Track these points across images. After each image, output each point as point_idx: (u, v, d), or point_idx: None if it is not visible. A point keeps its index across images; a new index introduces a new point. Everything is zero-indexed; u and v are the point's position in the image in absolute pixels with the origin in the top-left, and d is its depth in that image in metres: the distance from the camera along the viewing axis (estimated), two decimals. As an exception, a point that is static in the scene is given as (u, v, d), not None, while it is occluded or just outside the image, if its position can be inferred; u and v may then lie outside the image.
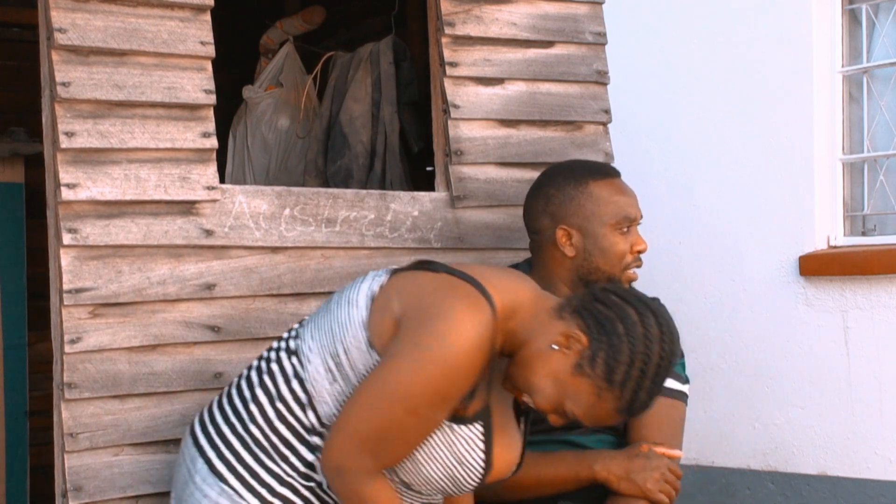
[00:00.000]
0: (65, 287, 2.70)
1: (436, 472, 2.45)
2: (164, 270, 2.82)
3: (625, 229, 2.94)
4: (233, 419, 2.51)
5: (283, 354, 2.52)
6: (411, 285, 2.44)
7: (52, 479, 2.78)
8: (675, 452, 2.92)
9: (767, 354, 4.66)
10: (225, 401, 2.56)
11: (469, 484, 2.49)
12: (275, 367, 2.51)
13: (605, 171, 3.02)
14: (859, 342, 4.39)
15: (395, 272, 2.51)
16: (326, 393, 2.45)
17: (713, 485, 4.79)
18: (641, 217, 2.99)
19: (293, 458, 2.47)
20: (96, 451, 2.72)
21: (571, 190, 2.96)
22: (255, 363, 2.57)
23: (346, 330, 2.44)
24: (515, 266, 3.10)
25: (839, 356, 4.44)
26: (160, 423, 2.80)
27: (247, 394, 2.52)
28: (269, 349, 2.58)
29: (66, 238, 2.70)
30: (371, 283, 2.49)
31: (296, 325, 2.59)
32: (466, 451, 2.45)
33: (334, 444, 2.38)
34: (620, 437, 3.02)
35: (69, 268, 2.71)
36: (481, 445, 2.46)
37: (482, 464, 2.47)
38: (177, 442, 2.82)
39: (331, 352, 2.45)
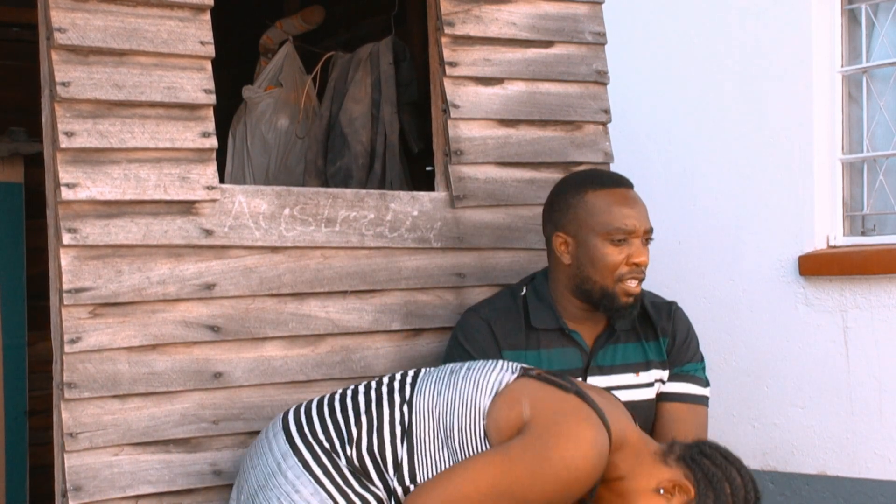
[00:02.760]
0: (64, 287, 2.70)
1: None
2: (164, 270, 2.82)
3: (618, 240, 2.91)
4: (332, 432, 2.64)
5: (396, 397, 2.67)
6: (543, 397, 2.60)
7: (52, 478, 2.78)
8: None
9: (767, 354, 4.66)
10: (326, 410, 2.69)
11: None
12: (385, 404, 2.66)
13: (608, 181, 3.00)
14: (859, 342, 4.39)
15: (524, 374, 2.65)
16: (429, 456, 2.60)
17: (713, 485, 4.79)
18: (647, 229, 2.96)
19: (377, 482, 2.62)
20: (96, 450, 2.72)
21: (570, 198, 2.98)
22: (362, 388, 2.71)
23: (467, 411, 2.60)
24: (533, 277, 3.10)
25: (839, 356, 4.44)
26: (160, 423, 2.81)
27: (351, 414, 2.67)
28: (380, 383, 2.72)
29: (66, 238, 2.70)
30: (500, 376, 2.65)
31: (412, 373, 2.73)
32: None
33: None
34: None
35: (69, 268, 2.71)
36: None
37: None
38: (177, 442, 2.82)
39: (446, 424, 2.61)
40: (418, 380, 2.70)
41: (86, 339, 2.72)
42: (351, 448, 2.61)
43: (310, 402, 2.75)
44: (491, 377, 2.65)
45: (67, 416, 2.70)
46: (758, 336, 4.68)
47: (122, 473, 2.74)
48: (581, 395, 2.58)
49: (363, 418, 2.64)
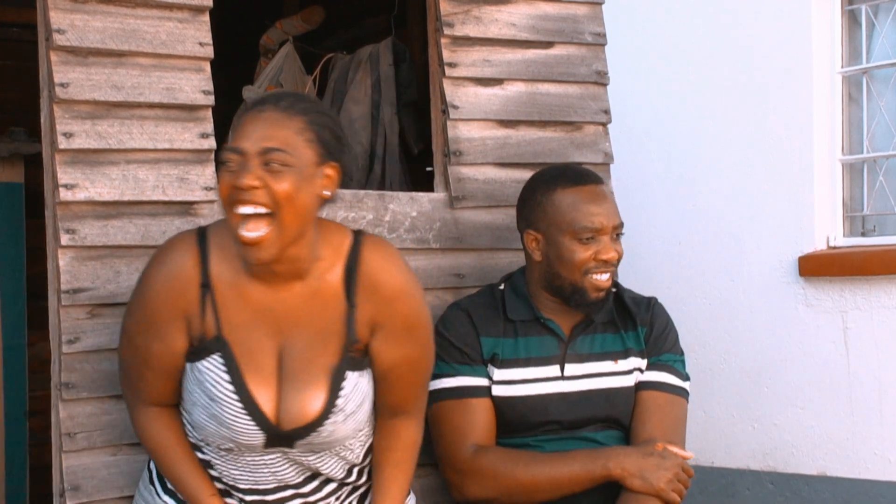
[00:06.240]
0: (63, 287, 2.70)
1: (201, 417, 2.49)
2: (163, 271, 2.82)
3: (586, 238, 2.93)
4: None
5: None
6: None
7: (51, 478, 2.78)
8: (688, 453, 2.94)
9: (767, 355, 4.66)
10: None
11: (239, 424, 2.47)
12: None
13: (578, 179, 3.00)
14: (859, 343, 4.39)
15: None
16: None
17: (713, 485, 4.79)
18: (616, 224, 2.96)
19: None
20: (94, 450, 2.72)
21: (539, 196, 3.00)
22: None
23: None
24: (511, 274, 3.12)
25: (838, 356, 4.44)
26: (158, 424, 2.80)
27: None
28: None
29: (65, 238, 2.70)
30: None
31: None
32: (212, 384, 2.47)
33: None
34: (625, 432, 3.03)
35: (67, 268, 2.71)
36: (225, 376, 2.47)
37: (234, 396, 2.46)
38: (175, 442, 2.82)
39: None
40: None
41: (84, 340, 2.71)
42: None
43: None
44: None
45: (65, 416, 2.70)
46: (758, 337, 4.68)
47: (120, 473, 2.74)
48: (201, 227, 2.57)
49: None
